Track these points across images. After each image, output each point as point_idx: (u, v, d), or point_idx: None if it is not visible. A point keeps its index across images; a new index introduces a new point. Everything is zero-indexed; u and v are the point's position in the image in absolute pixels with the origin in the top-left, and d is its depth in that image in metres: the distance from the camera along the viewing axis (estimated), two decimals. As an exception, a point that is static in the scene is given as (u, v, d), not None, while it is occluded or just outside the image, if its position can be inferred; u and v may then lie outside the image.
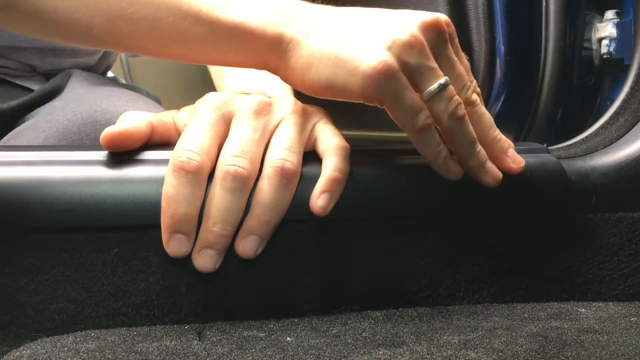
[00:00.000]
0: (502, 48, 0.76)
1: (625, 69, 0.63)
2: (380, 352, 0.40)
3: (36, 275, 0.42)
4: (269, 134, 0.45)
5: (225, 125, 0.45)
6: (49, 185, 0.42)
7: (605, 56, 0.74)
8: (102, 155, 0.44)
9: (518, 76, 0.78)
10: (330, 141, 0.46)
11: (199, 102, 0.46)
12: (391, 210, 0.48)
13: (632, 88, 0.59)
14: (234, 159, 0.43)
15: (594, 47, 0.76)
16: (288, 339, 0.42)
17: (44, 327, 0.42)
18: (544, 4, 0.75)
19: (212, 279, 0.45)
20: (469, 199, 0.50)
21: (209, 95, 0.46)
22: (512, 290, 0.51)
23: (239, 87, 0.59)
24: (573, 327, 0.45)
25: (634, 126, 0.56)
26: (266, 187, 0.43)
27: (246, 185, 0.43)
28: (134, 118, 0.45)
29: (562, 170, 0.51)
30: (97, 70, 0.84)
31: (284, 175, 0.43)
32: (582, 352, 0.40)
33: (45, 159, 0.43)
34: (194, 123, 0.44)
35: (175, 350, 0.40)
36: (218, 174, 0.43)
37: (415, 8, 0.78)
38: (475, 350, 0.40)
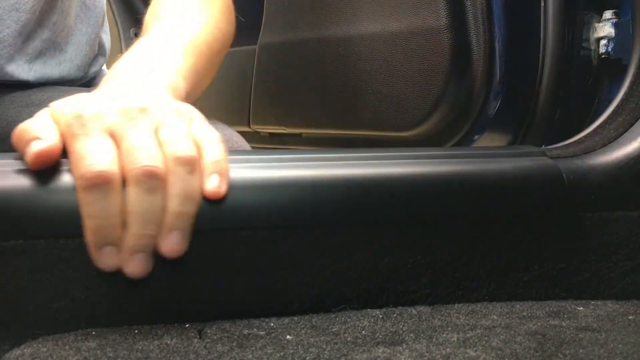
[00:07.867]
0: (501, 48, 0.77)
1: (624, 69, 0.63)
2: (380, 350, 0.40)
3: (37, 274, 0.42)
4: (156, 132, 0.45)
5: (108, 131, 0.44)
6: (49, 194, 0.42)
7: (603, 56, 0.74)
8: None
9: (516, 76, 0.78)
10: (206, 134, 0.46)
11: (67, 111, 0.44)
12: (391, 214, 0.48)
13: (630, 88, 0.59)
14: (144, 159, 0.42)
15: (592, 47, 0.76)
16: (288, 337, 0.43)
17: (46, 326, 0.42)
18: (542, 4, 0.75)
19: (213, 277, 0.45)
20: (468, 200, 0.50)
21: (79, 107, 0.44)
22: (510, 288, 0.51)
23: (130, 61, 0.57)
24: (571, 326, 0.45)
25: (632, 125, 0.56)
26: (174, 179, 0.43)
27: (161, 183, 0.42)
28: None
29: (559, 173, 0.51)
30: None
31: (188, 163, 0.43)
32: (580, 351, 0.40)
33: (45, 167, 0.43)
34: (81, 141, 0.43)
35: (175, 348, 0.40)
36: (132, 177, 0.42)
37: (414, 7, 0.78)
38: (474, 349, 0.40)
